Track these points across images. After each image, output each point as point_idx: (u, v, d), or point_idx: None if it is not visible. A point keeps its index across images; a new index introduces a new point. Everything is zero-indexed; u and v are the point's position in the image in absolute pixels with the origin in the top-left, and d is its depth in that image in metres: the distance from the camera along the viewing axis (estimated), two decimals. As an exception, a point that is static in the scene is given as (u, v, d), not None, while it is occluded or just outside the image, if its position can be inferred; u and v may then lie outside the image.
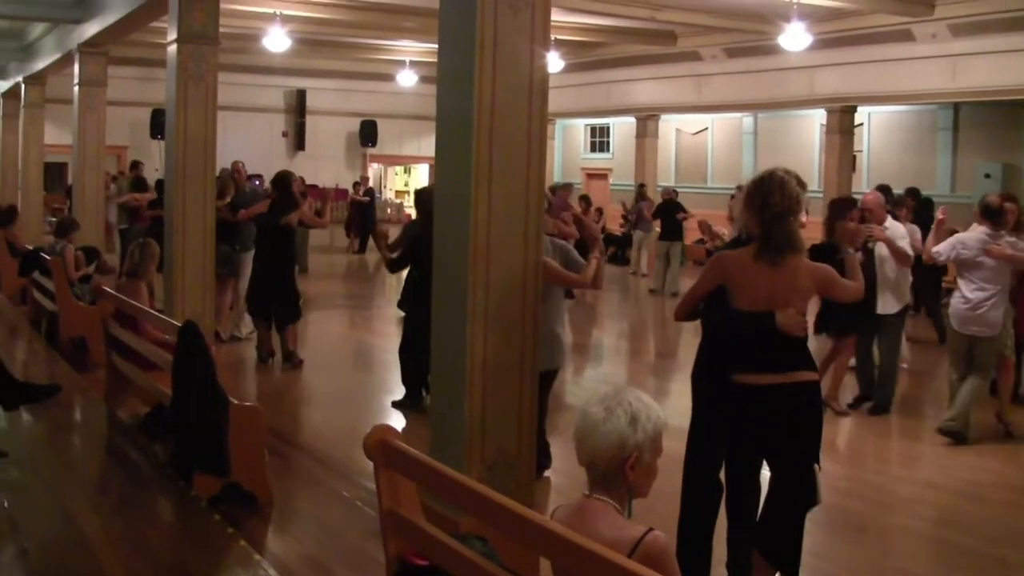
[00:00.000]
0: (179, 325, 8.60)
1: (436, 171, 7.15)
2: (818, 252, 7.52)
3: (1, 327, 16.44)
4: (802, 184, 6.19)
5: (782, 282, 6.07)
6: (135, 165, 25.29)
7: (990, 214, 10.69)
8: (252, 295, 14.32)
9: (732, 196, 26.01)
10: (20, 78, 25.53)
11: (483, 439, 6.60)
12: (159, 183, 22.23)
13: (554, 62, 25.32)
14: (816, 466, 6.22)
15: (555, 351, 8.59)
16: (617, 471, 3.96)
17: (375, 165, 36.15)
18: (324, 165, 32.01)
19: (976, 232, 10.76)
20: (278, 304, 13.99)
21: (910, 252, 11.39)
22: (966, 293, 10.65)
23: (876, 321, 11.58)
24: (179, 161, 11.98)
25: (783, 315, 6.02)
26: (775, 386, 6.09)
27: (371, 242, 32.26)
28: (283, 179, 14.43)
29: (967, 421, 10.63)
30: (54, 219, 26.47)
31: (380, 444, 4.63)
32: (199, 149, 12.06)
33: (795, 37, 21.10)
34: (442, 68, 6.99)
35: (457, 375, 6.62)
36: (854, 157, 25.49)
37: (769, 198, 6.03)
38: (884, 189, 13.86)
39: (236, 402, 8.24)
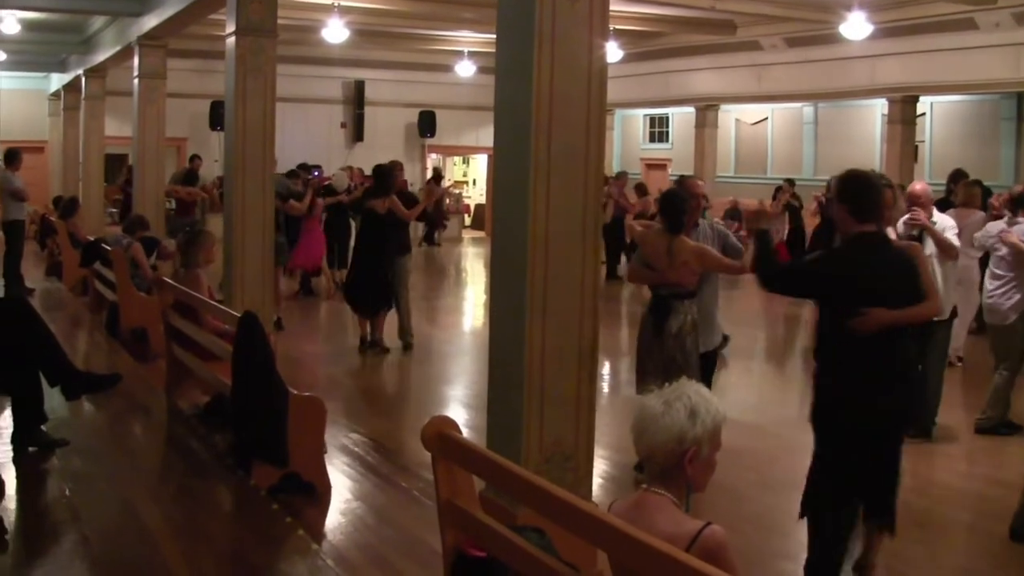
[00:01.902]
0: (238, 315, 8.63)
1: (495, 163, 7.13)
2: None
3: (63, 317, 16.57)
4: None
5: None
6: (192, 159, 25.47)
7: (1019, 203, 10.62)
8: (348, 284, 14.93)
9: (778, 188, 25.98)
10: (81, 71, 25.70)
11: (540, 431, 6.59)
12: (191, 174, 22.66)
13: (613, 52, 25.20)
14: None
15: (714, 333, 9.28)
16: (676, 465, 3.94)
17: (433, 155, 36.16)
18: (383, 156, 31.46)
19: (999, 222, 10.68)
20: (371, 292, 14.47)
21: (956, 243, 10.61)
22: (985, 281, 10.59)
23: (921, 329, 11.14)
24: (238, 153, 12.04)
25: None
26: None
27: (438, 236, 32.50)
28: (381, 168, 15.21)
29: (1001, 413, 10.51)
30: (114, 210, 26.76)
31: (438, 435, 4.63)
32: (258, 141, 12.12)
33: (856, 26, 20.89)
34: (500, 60, 6.97)
35: (514, 367, 6.62)
36: (916, 147, 25.24)
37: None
38: (958, 175, 13.69)
39: (295, 392, 8.29)
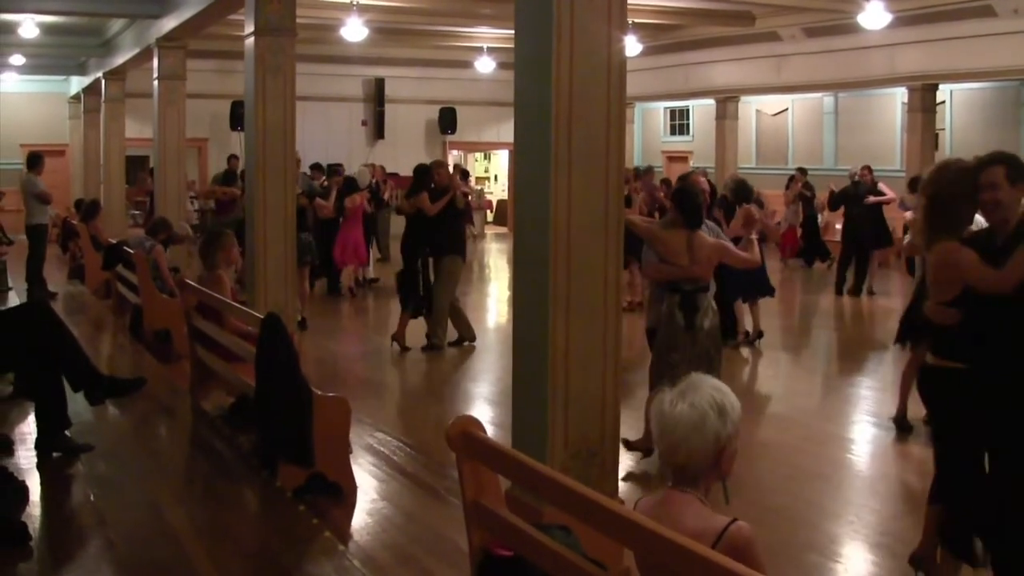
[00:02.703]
0: (261, 317, 8.62)
1: (515, 159, 7.13)
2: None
3: (86, 321, 16.61)
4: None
5: (930, 269, 6.20)
6: (231, 159, 25.57)
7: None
8: (398, 282, 14.83)
9: (791, 178, 25.99)
10: (100, 73, 25.75)
11: (565, 428, 6.56)
12: (231, 174, 22.71)
13: (632, 45, 25.19)
14: None
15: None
16: (712, 466, 3.95)
17: (455, 152, 36.16)
18: (404, 153, 31.88)
19: None
20: (402, 289, 14.62)
21: None
22: None
23: None
24: (259, 153, 12.01)
25: (926, 307, 6.18)
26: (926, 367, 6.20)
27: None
28: (417, 168, 15.28)
29: None
30: (137, 212, 26.82)
31: (463, 435, 4.60)
32: (279, 140, 12.08)
33: (874, 15, 20.90)
34: (519, 55, 6.94)
35: (538, 364, 6.58)
36: (936, 135, 25.18)
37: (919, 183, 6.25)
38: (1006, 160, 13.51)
39: (320, 392, 8.27)
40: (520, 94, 6.86)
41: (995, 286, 5.77)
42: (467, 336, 14.85)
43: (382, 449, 9.72)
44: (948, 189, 6.00)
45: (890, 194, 20.29)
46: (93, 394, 8.94)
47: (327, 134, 31.45)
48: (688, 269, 8.78)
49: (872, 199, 20.30)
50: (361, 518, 7.86)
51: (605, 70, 6.54)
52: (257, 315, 8.94)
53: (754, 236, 9.54)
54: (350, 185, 20.67)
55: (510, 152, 31.88)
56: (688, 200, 8.99)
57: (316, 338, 15.60)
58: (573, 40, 6.39)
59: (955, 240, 5.94)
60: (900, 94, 26.26)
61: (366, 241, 20.59)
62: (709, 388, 3.94)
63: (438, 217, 14.33)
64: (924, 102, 24.22)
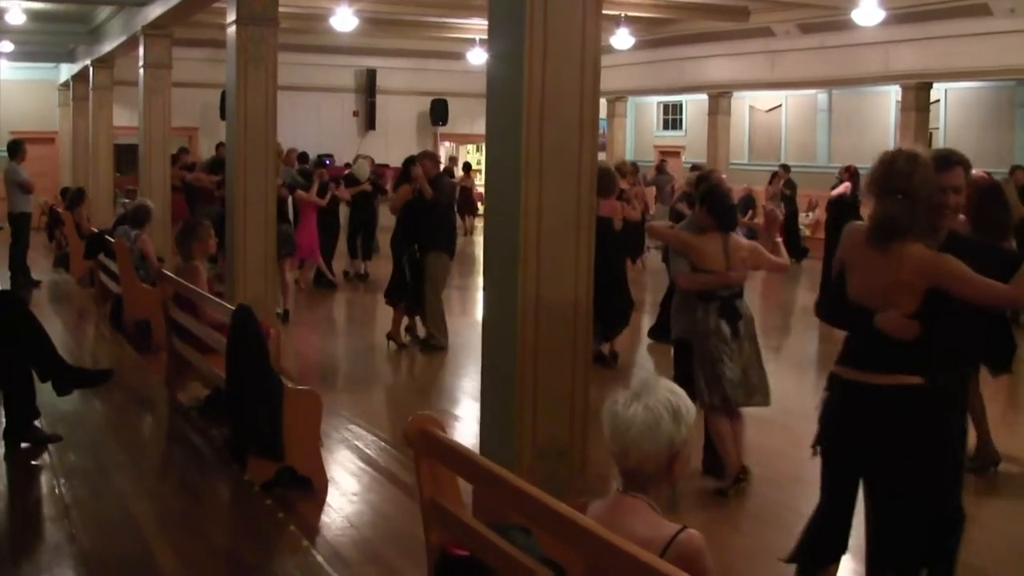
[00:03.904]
0: (233, 309, 8.55)
1: (486, 152, 7.01)
2: (961, 242, 5.75)
3: (69, 310, 16.57)
4: (948, 160, 5.68)
5: (887, 273, 5.25)
6: (219, 147, 25.24)
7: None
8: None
9: (774, 174, 25.94)
10: (88, 61, 25.63)
11: (534, 427, 6.46)
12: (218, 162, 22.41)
13: (625, 39, 25.18)
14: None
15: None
16: (664, 470, 3.86)
17: (447, 144, 36.08)
18: (395, 145, 31.78)
19: None
20: (390, 284, 14.51)
21: None
22: None
23: None
24: (240, 143, 11.93)
25: (883, 318, 5.24)
26: (864, 386, 5.34)
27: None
28: (405, 160, 14.98)
29: None
30: (127, 200, 26.70)
31: (421, 433, 4.54)
32: (260, 131, 12.00)
33: (869, 12, 20.81)
34: (493, 48, 6.83)
35: (507, 362, 6.49)
36: (930, 135, 25.08)
37: (874, 174, 5.32)
38: None
39: (291, 386, 8.21)
40: (492, 88, 6.75)
41: (1005, 301, 5.56)
42: (442, 335, 14.34)
43: (358, 444, 9.62)
44: (927, 188, 5.28)
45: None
46: (60, 384, 8.87)
47: (318, 125, 31.44)
48: (726, 276, 8.44)
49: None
50: (330, 514, 7.78)
51: (579, 65, 6.42)
52: (228, 307, 8.86)
53: (778, 238, 9.29)
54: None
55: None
56: (719, 201, 8.65)
57: (300, 331, 15.51)
58: (546, 32, 6.27)
59: (930, 246, 5.31)
60: (894, 92, 26.15)
61: (330, 237, 20.49)
62: (664, 390, 3.85)
63: (422, 212, 13.95)
64: (918, 101, 24.07)
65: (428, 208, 13.95)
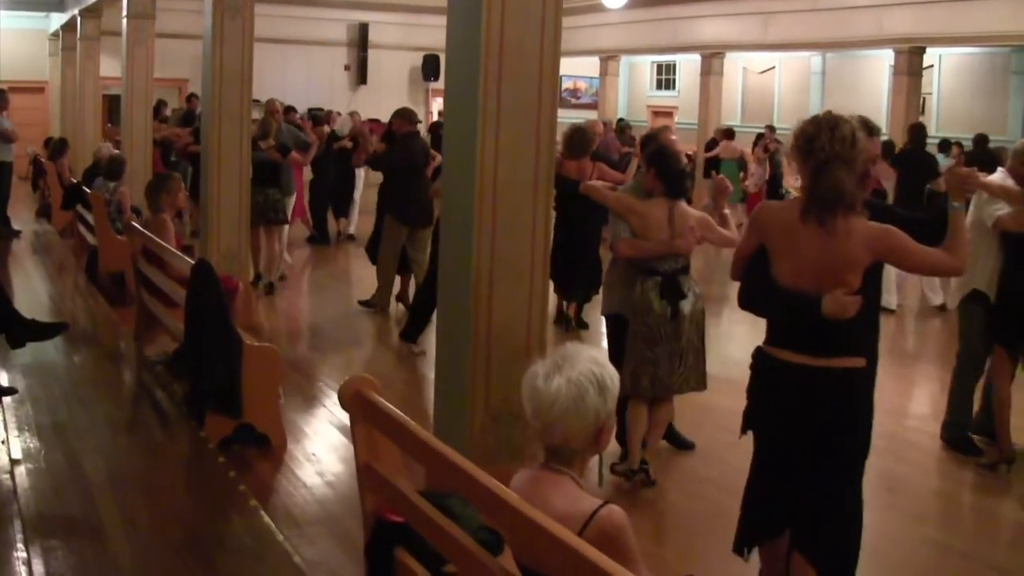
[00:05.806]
0: (192, 263, 8.44)
1: (444, 107, 6.86)
2: (882, 211, 5.63)
3: (49, 260, 16.45)
4: (870, 128, 5.39)
5: (833, 251, 4.99)
6: (190, 98, 24.92)
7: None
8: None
9: (759, 135, 25.68)
10: (76, 10, 25.38)
11: (487, 388, 6.33)
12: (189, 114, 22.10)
13: (618, -3, 25.01)
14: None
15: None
16: (591, 444, 3.77)
17: (439, 100, 35.90)
18: (386, 99, 31.57)
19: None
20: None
21: None
22: None
23: None
24: (215, 97, 11.76)
25: (831, 301, 4.96)
26: (809, 369, 5.10)
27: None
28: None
29: None
30: (117, 152, 26.50)
31: (355, 395, 4.41)
32: (235, 85, 11.81)
33: (862, -26, 20.67)
34: (452, 2, 6.67)
35: (461, 323, 6.37)
36: (923, 100, 24.91)
37: (815, 141, 4.98)
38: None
39: (250, 342, 8.10)
40: (450, 42, 6.60)
41: (949, 270, 5.44)
42: (380, 300, 13.84)
43: (326, 404, 9.50)
44: (864, 156, 5.08)
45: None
46: (13, 337, 8.73)
47: (309, 79, 31.20)
48: (670, 244, 7.78)
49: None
50: (287, 473, 7.70)
51: (539, 20, 6.26)
52: (189, 260, 8.74)
53: (727, 210, 8.46)
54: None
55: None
56: (668, 164, 7.95)
57: (290, 292, 15.28)
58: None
59: (863, 217, 5.09)
60: (888, 56, 25.95)
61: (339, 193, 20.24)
62: (587, 361, 3.70)
63: (387, 173, 13.55)
64: (911, 65, 23.87)
65: (390, 169, 13.55)
